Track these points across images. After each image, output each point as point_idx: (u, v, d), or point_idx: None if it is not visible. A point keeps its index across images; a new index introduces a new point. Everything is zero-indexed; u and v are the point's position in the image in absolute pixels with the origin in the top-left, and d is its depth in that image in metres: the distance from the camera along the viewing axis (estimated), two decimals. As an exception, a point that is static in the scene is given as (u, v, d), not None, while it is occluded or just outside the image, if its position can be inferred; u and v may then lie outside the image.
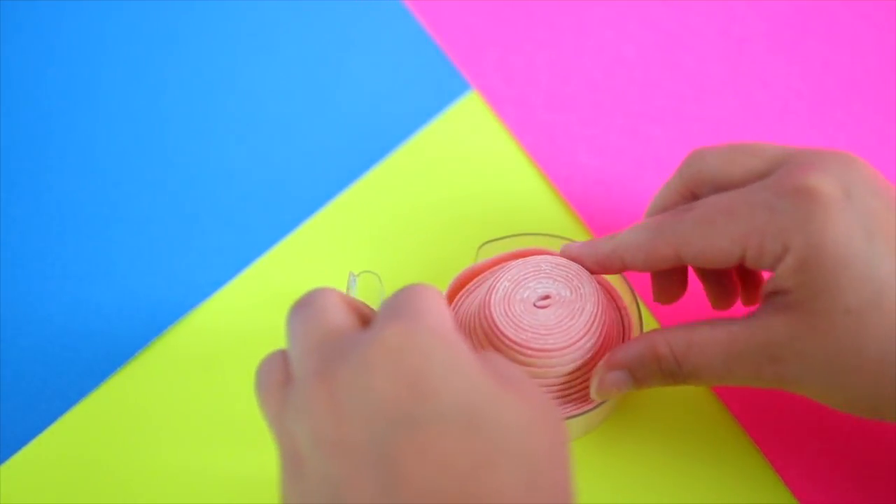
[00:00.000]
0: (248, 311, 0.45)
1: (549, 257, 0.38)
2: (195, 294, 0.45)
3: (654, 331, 0.36)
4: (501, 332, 0.37)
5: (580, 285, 0.37)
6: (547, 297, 0.37)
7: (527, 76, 0.50)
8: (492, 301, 0.38)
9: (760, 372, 0.33)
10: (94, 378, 0.43)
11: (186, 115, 0.49)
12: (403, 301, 0.30)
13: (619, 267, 0.37)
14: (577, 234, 0.45)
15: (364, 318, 0.32)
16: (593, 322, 0.37)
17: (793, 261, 0.32)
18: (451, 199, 0.47)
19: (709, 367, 0.34)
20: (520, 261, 0.39)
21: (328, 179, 0.47)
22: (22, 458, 0.42)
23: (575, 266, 0.38)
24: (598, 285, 0.38)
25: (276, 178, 0.48)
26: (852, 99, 0.48)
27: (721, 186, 0.36)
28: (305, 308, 0.31)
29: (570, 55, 0.50)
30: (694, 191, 0.37)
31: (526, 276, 0.38)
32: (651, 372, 0.35)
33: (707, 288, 0.39)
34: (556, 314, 0.37)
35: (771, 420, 0.41)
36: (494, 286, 0.38)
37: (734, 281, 0.39)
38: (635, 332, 0.39)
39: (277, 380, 0.31)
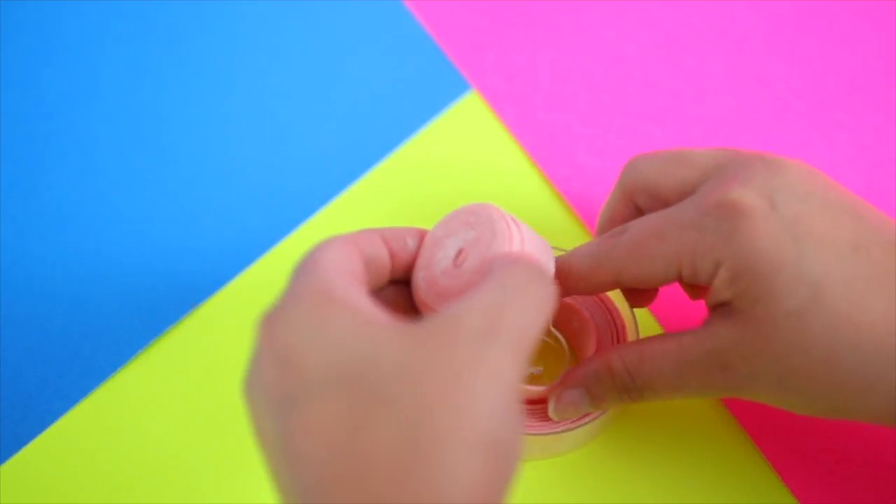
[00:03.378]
0: (248, 311, 0.45)
1: (437, 224, 0.36)
2: (195, 294, 0.45)
3: (609, 349, 0.36)
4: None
5: (473, 217, 0.35)
6: (459, 251, 0.35)
7: (527, 76, 0.50)
8: (422, 294, 0.34)
9: (711, 380, 0.34)
10: (94, 378, 0.43)
11: (186, 114, 0.49)
12: (289, 278, 0.31)
13: (566, 294, 0.36)
14: (577, 235, 0.45)
15: None
16: (511, 231, 0.34)
17: (726, 274, 0.33)
18: (451, 199, 0.47)
19: (661, 378, 0.34)
20: (421, 249, 0.36)
21: (328, 179, 0.47)
22: (22, 458, 0.42)
23: (460, 211, 0.36)
24: (494, 208, 0.35)
25: (277, 178, 0.48)
26: (852, 99, 0.48)
27: (655, 196, 0.37)
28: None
29: (570, 55, 0.50)
30: (633, 199, 0.38)
31: (431, 253, 0.35)
32: (606, 388, 0.36)
33: (681, 285, 0.39)
34: (476, 254, 0.34)
35: (771, 420, 0.41)
36: (415, 284, 0.35)
37: None
38: (630, 334, 0.39)
39: None
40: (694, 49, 0.50)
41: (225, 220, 0.47)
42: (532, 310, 0.28)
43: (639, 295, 0.38)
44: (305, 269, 0.30)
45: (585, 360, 0.37)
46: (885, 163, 0.47)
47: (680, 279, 0.34)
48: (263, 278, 0.45)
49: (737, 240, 0.32)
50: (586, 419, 0.38)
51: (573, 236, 0.45)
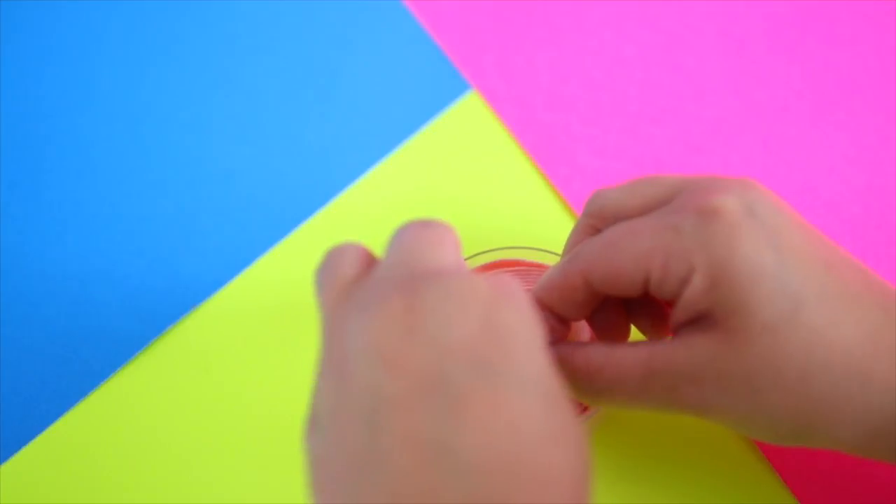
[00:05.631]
0: (248, 312, 0.45)
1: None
2: (195, 294, 0.45)
3: (581, 343, 0.35)
4: None
5: None
6: None
7: (527, 76, 0.50)
8: None
9: (677, 393, 0.32)
10: (94, 378, 0.43)
11: (186, 114, 0.49)
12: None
13: (548, 316, 0.36)
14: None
15: None
16: None
17: (701, 281, 0.31)
18: (451, 199, 0.47)
19: (624, 383, 0.33)
20: None
21: (328, 179, 0.47)
22: (22, 458, 0.42)
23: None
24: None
25: (276, 179, 0.48)
26: (852, 99, 0.48)
27: (623, 217, 0.35)
28: (428, 231, 0.31)
29: (570, 55, 0.50)
30: (599, 226, 0.36)
31: None
32: (563, 379, 0.34)
33: (636, 323, 0.37)
34: None
35: (771, 420, 0.41)
36: None
37: (662, 306, 0.37)
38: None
39: (348, 273, 0.31)
40: (694, 49, 0.50)
41: (225, 221, 0.47)
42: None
43: (608, 329, 0.37)
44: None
45: (560, 344, 0.35)
46: (885, 163, 0.47)
47: (646, 287, 0.33)
48: (263, 279, 0.45)
49: (715, 245, 0.31)
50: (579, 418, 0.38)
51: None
